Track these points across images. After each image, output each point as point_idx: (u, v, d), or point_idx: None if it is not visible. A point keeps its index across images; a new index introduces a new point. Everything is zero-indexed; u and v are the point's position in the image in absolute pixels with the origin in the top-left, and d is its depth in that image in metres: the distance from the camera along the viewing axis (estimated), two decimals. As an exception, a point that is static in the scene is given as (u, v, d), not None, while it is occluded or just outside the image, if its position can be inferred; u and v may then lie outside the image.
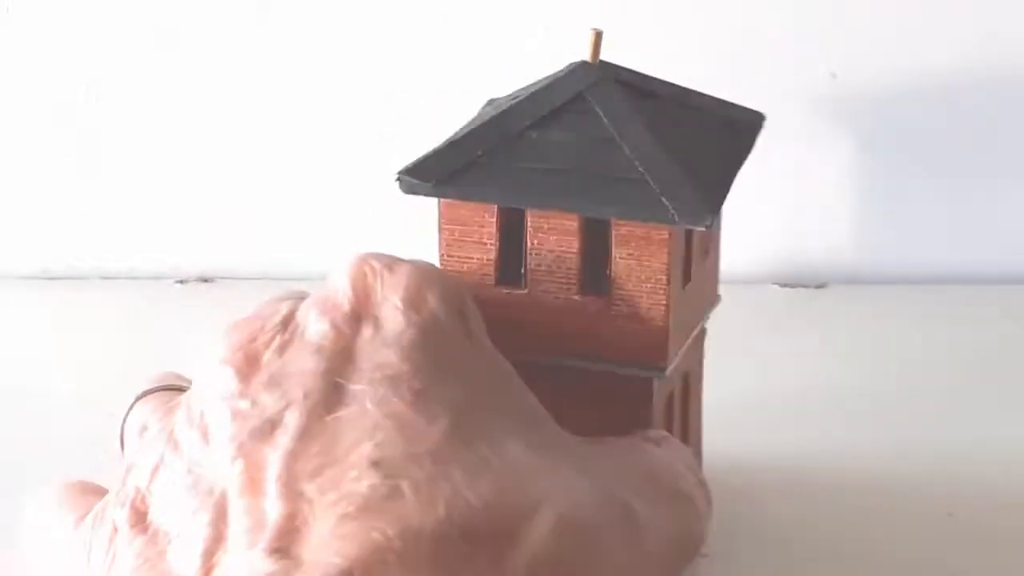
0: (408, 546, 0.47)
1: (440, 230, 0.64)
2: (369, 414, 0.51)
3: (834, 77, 0.90)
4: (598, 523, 0.51)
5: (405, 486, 0.49)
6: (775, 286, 0.91)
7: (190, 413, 0.53)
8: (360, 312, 0.54)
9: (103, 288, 0.92)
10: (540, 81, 0.65)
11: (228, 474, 0.50)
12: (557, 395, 0.63)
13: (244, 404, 0.52)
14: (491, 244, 0.64)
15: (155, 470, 0.53)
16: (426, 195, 0.63)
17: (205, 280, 0.93)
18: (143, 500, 0.52)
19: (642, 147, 0.62)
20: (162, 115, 0.91)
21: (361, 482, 0.49)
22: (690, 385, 0.69)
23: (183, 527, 0.50)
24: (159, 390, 0.57)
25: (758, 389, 0.78)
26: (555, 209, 0.62)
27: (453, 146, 0.64)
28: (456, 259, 0.64)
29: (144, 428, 0.57)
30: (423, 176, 0.63)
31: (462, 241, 0.64)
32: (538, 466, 0.52)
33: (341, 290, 0.55)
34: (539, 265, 0.63)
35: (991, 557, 0.67)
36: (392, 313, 0.54)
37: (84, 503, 0.56)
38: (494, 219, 0.63)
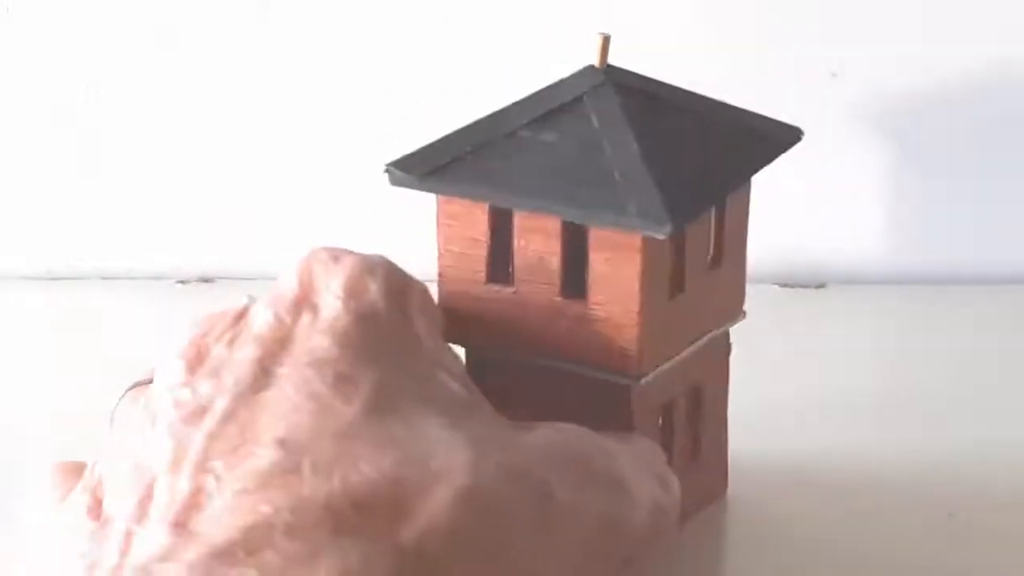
0: (296, 517, 0.48)
1: (438, 225, 0.65)
2: (288, 396, 0.52)
3: (834, 76, 0.90)
4: (505, 498, 0.51)
5: (305, 462, 0.50)
6: (775, 286, 0.91)
7: (145, 405, 0.54)
8: (302, 301, 0.56)
9: (104, 288, 0.92)
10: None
11: (159, 457, 0.52)
12: (543, 396, 0.63)
13: (185, 393, 0.53)
14: (483, 241, 0.64)
15: (113, 459, 0.54)
16: (409, 187, 0.64)
17: (205, 280, 0.93)
18: (100, 488, 0.54)
19: (624, 152, 0.61)
20: (162, 115, 0.91)
21: (263, 459, 0.50)
22: (703, 401, 0.68)
23: (120, 511, 0.51)
24: (148, 383, 0.58)
25: (758, 389, 0.78)
26: (527, 208, 0.62)
27: (444, 141, 0.64)
28: (452, 254, 0.65)
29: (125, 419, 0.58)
30: (409, 169, 0.63)
31: (458, 237, 0.64)
32: (450, 443, 0.52)
33: (288, 282, 0.56)
34: (525, 265, 0.63)
35: (991, 557, 0.67)
36: (331, 301, 0.56)
37: (71, 483, 0.57)
38: (486, 216, 0.64)
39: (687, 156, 0.63)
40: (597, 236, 0.61)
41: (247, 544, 0.47)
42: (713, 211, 0.65)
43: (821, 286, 0.92)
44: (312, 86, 0.91)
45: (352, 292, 0.56)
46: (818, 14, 0.89)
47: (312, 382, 0.52)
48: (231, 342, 0.55)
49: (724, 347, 0.69)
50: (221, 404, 0.52)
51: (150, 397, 0.55)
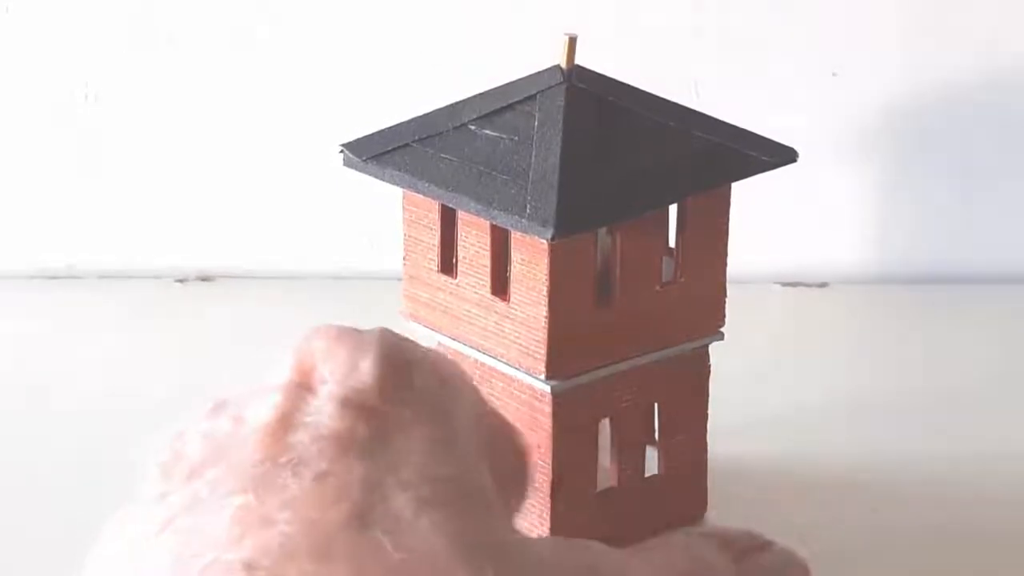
0: None
1: (402, 209, 0.66)
2: (263, 505, 0.46)
3: (834, 76, 0.90)
4: None
5: None
6: (776, 285, 0.91)
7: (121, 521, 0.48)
8: (296, 389, 0.49)
9: (102, 287, 0.92)
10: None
11: None
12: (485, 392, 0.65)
13: (155, 508, 0.47)
14: (435, 230, 0.65)
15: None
16: (355, 169, 0.65)
17: (205, 279, 0.92)
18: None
19: (547, 153, 0.61)
20: (161, 115, 0.91)
21: None
22: (667, 419, 0.66)
23: None
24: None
25: (758, 388, 0.78)
26: (440, 200, 0.63)
27: (399, 127, 0.65)
28: (413, 239, 0.66)
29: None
30: (357, 152, 0.65)
31: (417, 223, 0.65)
32: (439, 556, 0.46)
33: (284, 369, 0.50)
34: (464, 257, 0.64)
35: (991, 557, 0.67)
36: (321, 388, 0.49)
37: None
38: (437, 206, 0.64)
39: (621, 164, 0.62)
40: (516, 236, 0.61)
41: None
42: (671, 225, 0.64)
43: (822, 285, 0.92)
44: (311, 86, 0.90)
45: (342, 377, 0.49)
46: (820, 13, 0.89)
47: (288, 487, 0.46)
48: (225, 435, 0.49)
49: (697, 364, 0.66)
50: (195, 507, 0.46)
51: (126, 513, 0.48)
